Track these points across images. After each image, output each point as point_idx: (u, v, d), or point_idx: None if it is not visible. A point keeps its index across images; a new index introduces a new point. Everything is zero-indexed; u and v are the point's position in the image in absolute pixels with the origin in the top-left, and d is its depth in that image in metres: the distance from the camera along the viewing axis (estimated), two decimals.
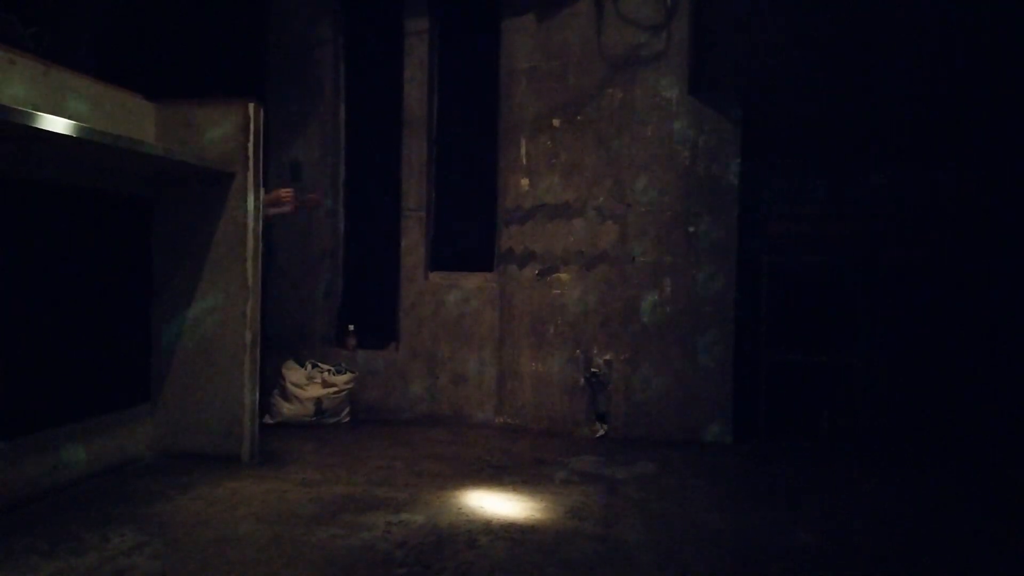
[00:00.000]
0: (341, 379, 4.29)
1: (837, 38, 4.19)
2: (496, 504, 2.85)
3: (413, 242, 4.55)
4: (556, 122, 4.18)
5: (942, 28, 4.02)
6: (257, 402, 3.41)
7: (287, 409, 4.19)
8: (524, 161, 4.29)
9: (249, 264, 3.31)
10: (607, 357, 4.07)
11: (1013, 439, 3.97)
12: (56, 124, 2.30)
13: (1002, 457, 3.79)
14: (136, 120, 3.21)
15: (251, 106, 3.29)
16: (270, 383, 4.26)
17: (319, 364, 4.36)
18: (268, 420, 4.15)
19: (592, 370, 4.08)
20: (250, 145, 3.29)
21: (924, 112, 4.21)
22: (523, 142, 4.28)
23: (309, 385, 4.21)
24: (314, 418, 4.19)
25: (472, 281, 4.52)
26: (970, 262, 4.19)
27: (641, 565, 2.30)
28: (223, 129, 3.29)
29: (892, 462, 3.67)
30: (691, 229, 4.01)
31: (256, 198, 3.34)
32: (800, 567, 2.31)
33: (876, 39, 4.18)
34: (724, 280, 4.00)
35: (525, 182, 4.27)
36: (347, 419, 4.32)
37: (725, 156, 4.01)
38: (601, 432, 4.07)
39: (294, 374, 4.26)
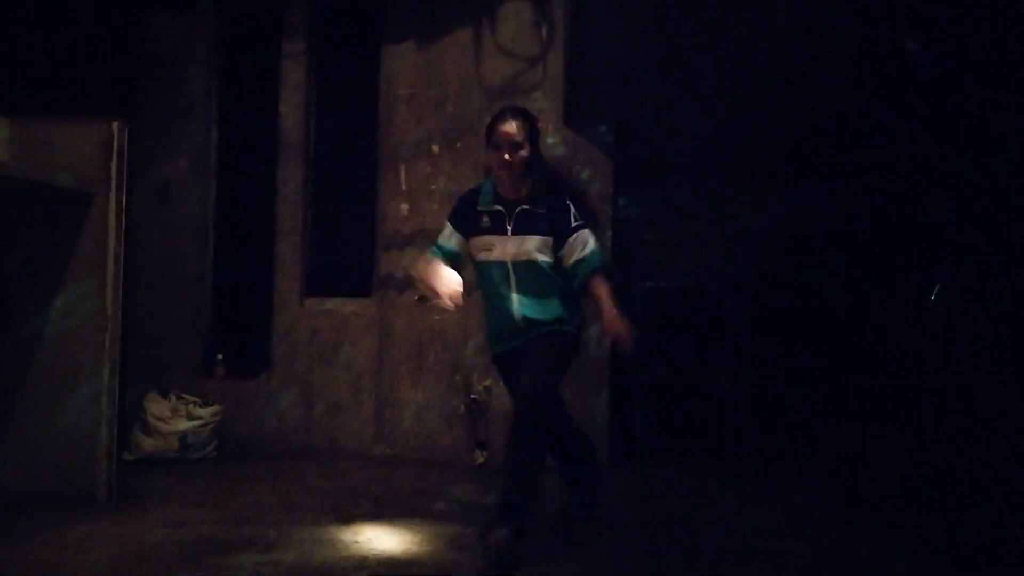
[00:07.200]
0: (208, 411, 4.09)
1: (708, 72, 4.37)
2: (373, 538, 2.78)
3: (288, 266, 4.41)
4: (436, 148, 4.19)
5: (801, 67, 4.25)
6: (115, 438, 3.19)
7: (149, 444, 3.95)
8: (404, 186, 4.26)
9: (109, 290, 3.11)
10: (487, 383, 4.07)
11: (875, 443, 4.30)
12: None
13: (864, 459, 4.13)
14: None
15: (115, 124, 3.11)
16: (131, 417, 4.01)
17: (184, 396, 4.13)
18: (127, 456, 3.89)
19: (472, 396, 4.08)
20: (113, 165, 3.11)
21: (792, 142, 4.46)
22: (403, 167, 4.25)
23: (173, 418, 3.99)
24: (178, 453, 3.96)
25: (350, 307, 4.42)
26: (832, 281, 4.52)
27: None
28: (84, 148, 3.10)
29: (764, 477, 3.88)
30: None
31: (119, 220, 3.15)
32: None
33: (746, 73, 4.39)
34: None
35: (405, 207, 4.24)
36: (214, 453, 4.11)
37: (599, 185, 4.13)
38: (481, 459, 4.06)
39: (156, 406, 4.02)
